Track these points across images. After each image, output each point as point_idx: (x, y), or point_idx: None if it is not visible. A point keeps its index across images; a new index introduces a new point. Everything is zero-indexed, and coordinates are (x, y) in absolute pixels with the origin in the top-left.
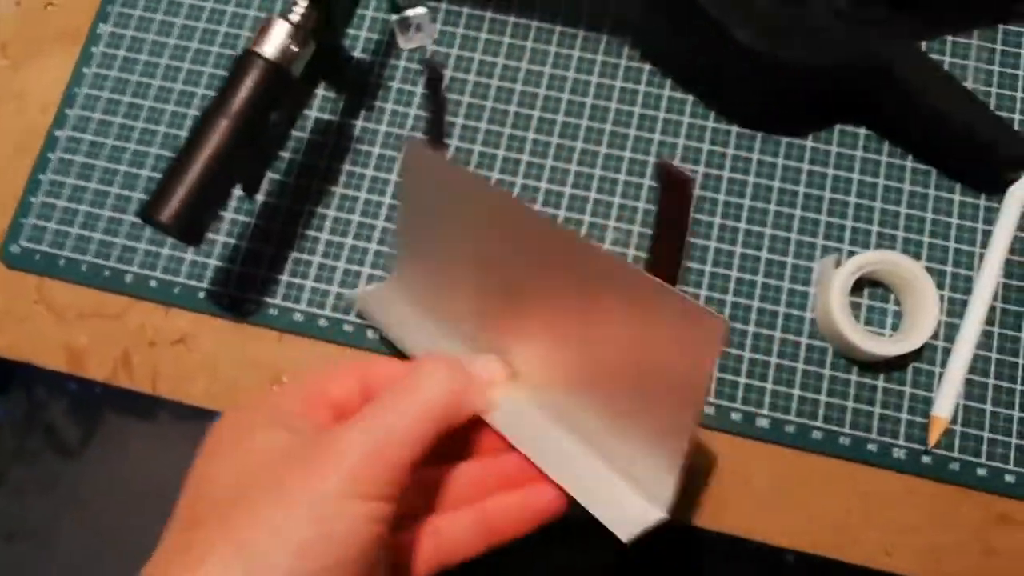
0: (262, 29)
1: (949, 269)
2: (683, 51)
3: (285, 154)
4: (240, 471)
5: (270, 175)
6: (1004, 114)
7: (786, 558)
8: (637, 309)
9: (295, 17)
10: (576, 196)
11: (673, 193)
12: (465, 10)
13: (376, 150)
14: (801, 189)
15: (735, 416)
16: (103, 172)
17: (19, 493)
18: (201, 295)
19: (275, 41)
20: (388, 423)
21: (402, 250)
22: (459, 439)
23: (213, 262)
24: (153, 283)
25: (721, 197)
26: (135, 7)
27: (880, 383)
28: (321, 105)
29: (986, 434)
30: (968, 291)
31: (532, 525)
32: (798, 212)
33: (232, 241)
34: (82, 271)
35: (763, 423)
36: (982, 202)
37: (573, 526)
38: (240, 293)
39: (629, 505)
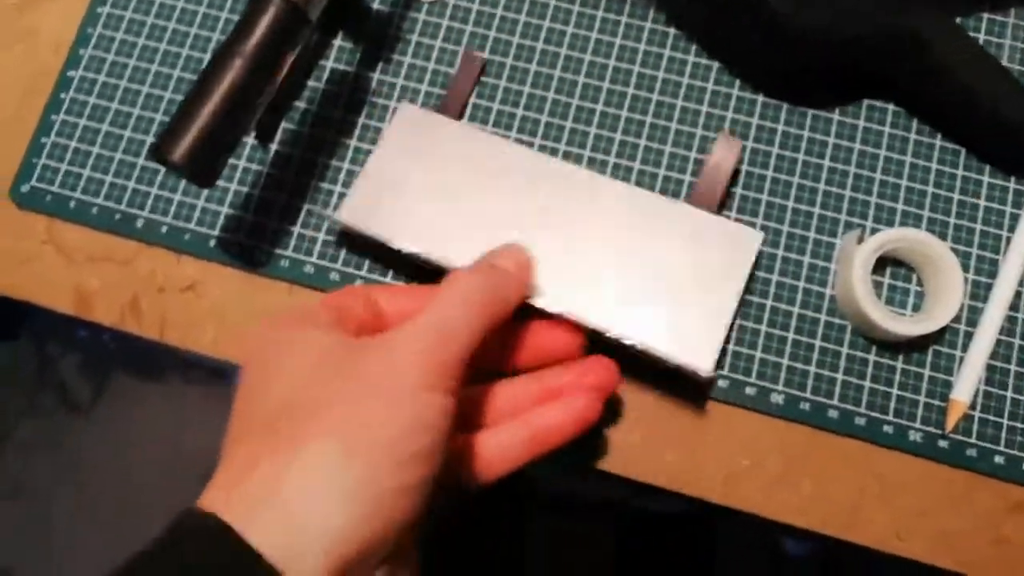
0: None
1: (975, 251)
2: (708, 16)
3: (300, 104)
4: (305, 373)
5: (285, 124)
6: None
7: (789, 550)
8: (682, 236)
9: None
10: (619, 165)
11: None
12: None
13: (392, 104)
14: (826, 163)
15: (749, 391)
16: (116, 114)
17: (26, 451)
18: (212, 243)
19: None
20: (448, 317)
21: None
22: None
23: (225, 210)
24: (164, 229)
25: (743, 168)
26: None
27: (899, 364)
28: (338, 56)
29: (1005, 421)
30: (993, 274)
31: (573, 432)
32: (822, 186)
33: (245, 189)
34: (92, 214)
35: (777, 399)
36: (1012, 184)
37: (578, 526)
38: (251, 242)
39: (689, 352)
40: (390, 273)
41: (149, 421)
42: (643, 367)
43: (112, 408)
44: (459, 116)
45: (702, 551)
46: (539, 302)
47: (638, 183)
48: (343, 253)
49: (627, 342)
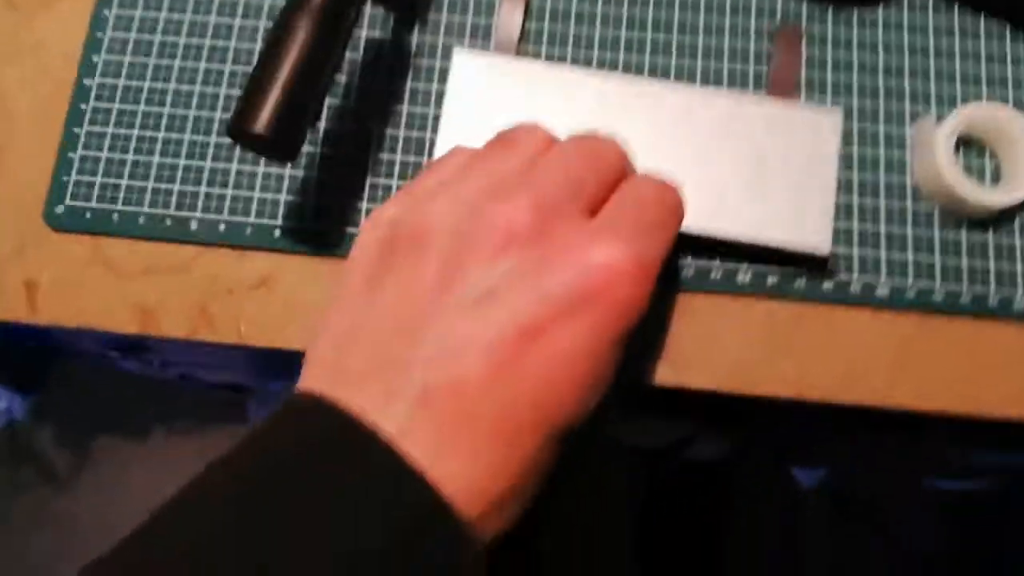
0: None
1: None
2: None
3: (341, 77)
4: None
5: (329, 100)
6: None
7: (803, 481)
8: (765, 128)
9: None
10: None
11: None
12: None
13: (437, 63)
14: (880, 56)
15: (854, 288)
16: (144, 116)
17: (13, 531)
18: (277, 233)
19: None
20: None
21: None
22: None
23: (284, 196)
24: (222, 227)
25: (803, 73)
26: None
27: (990, 238)
28: (370, 22)
29: None
30: None
31: None
32: (880, 80)
33: (301, 173)
34: (140, 224)
35: (883, 291)
36: None
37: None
38: (318, 226)
39: (802, 235)
40: None
41: (137, 482)
42: (751, 279)
43: (97, 474)
44: (515, 51)
45: (718, 496)
46: None
47: (704, 80)
48: None
49: (741, 239)
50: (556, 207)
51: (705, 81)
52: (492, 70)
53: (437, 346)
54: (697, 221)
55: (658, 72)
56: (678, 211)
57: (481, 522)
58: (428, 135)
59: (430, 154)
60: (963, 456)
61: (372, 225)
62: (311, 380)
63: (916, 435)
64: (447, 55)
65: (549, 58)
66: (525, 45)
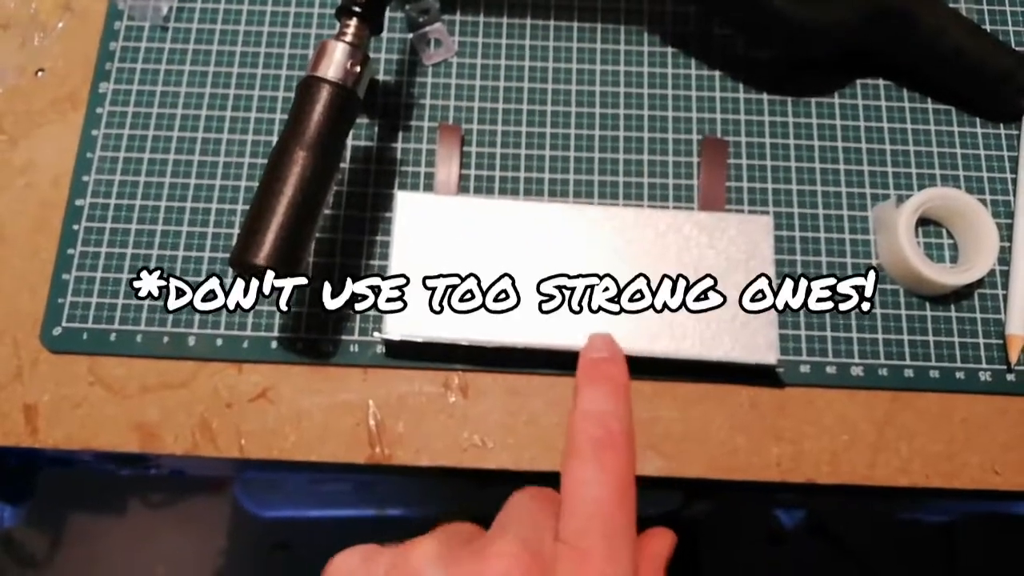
0: (319, 53)
1: (988, 197)
2: (708, 28)
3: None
4: None
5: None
6: None
7: (785, 524)
8: (700, 242)
9: (349, 37)
10: (629, 183)
11: (712, 156)
12: (481, 19)
13: (422, 169)
14: (839, 144)
15: (830, 370)
16: (138, 235)
17: None
18: (273, 345)
19: (337, 62)
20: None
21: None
22: None
23: (280, 316)
24: (219, 342)
25: (768, 163)
26: (135, 61)
27: (953, 314)
28: (355, 133)
29: None
30: (1009, 215)
31: None
32: (842, 166)
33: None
34: (137, 343)
35: (857, 371)
36: (1003, 131)
37: None
38: (314, 336)
39: (751, 349)
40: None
41: (116, 558)
42: (720, 370)
43: (74, 553)
44: (455, 189)
45: (703, 542)
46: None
47: (650, 197)
48: None
49: (689, 358)
50: (534, 547)
51: (651, 196)
52: (432, 207)
53: None
54: (645, 342)
55: (607, 187)
56: (629, 437)
57: None
58: None
59: None
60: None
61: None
62: None
63: None
64: (431, 160)
65: (487, 190)
66: (466, 180)
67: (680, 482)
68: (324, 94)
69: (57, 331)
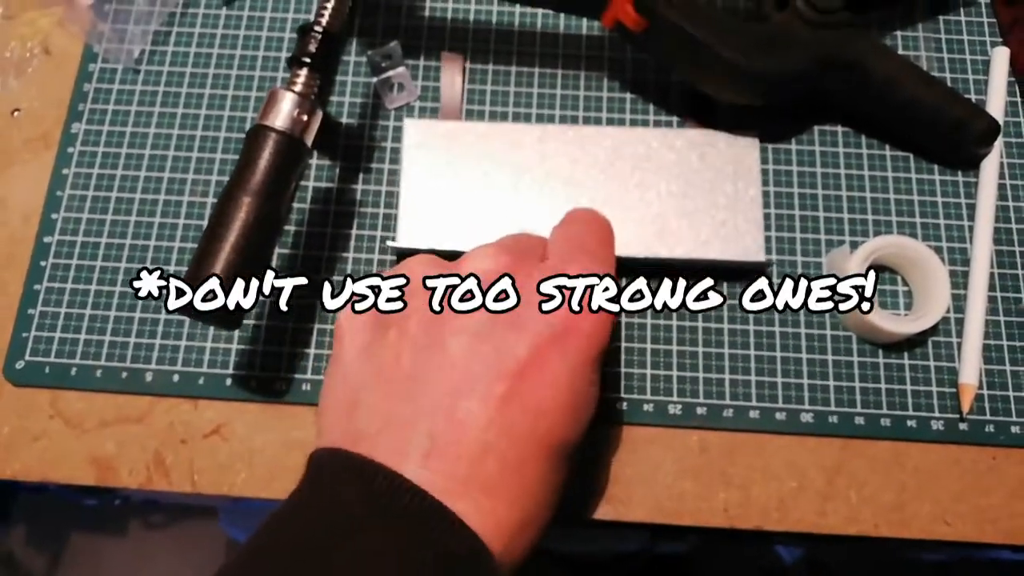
0: (268, 101)
1: (944, 244)
2: (667, 76)
3: (290, 227)
4: None
5: (279, 250)
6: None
7: (785, 561)
8: (691, 153)
9: (298, 87)
10: None
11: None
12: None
13: (381, 211)
14: (795, 190)
15: (780, 416)
16: (102, 272)
17: None
18: (228, 382)
19: (284, 112)
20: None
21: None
22: None
23: (235, 346)
24: (176, 378)
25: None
26: (107, 102)
27: (906, 361)
28: (317, 174)
29: (1011, 393)
30: (966, 262)
31: None
32: (797, 212)
33: (251, 322)
34: (97, 377)
35: (807, 417)
36: (960, 178)
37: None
38: (268, 374)
39: (740, 250)
40: None
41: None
42: (681, 410)
43: (73, 572)
44: (460, 115)
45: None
46: None
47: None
48: None
49: (683, 259)
50: (518, 257)
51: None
52: (439, 133)
53: (435, 397)
54: (641, 247)
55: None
56: (606, 225)
57: (507, 552)
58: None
59: None
60: None
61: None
62: (328, 444)
63: None
64: (390, 203)
65: (490, 118)
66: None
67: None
68: (270, 142)
69: (20, 364)
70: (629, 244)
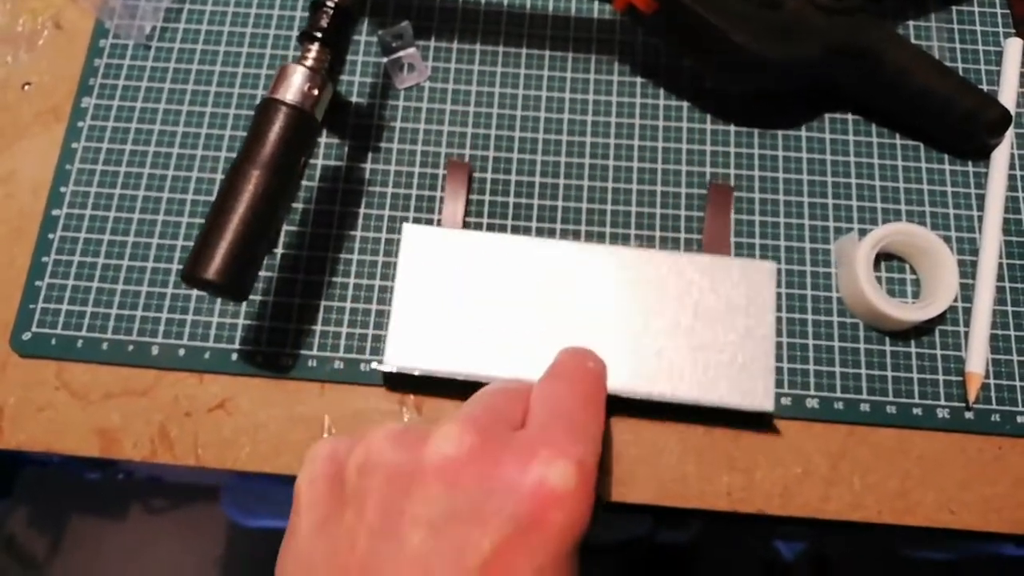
0: (279, 76)
1: (953, 234)
2: (674, 62)
3: (298, 205)
4: None
5: (287, 227)
6: None
7: (785, 556)
8: (702, 285)
9: (309, 61)
10: (617, 211)
11: (718, 201)
12: (455, 45)
13: (389, 190)
14: (804, 177)
15: (785, 401)
16: (109, 246)
17: None
18: (234, 357)
19: (295, 86)
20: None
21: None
22: None
23: (242, 321)
24: (181, 352)
25: (732, 194)
26: (118, 77)
27: (913, 349)
28: (326, 152)
29: (1018, 383)
30: (974, 252)
31: None
32: (806, 199)
33: (258, 298)
34: (103, 350)
35: (812, 403)
36: (971, 168)
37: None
38: (274, 349)
39: (747, 395)
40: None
41: (116, 561)
42: (692, 411)
43: (74, 556)
44: (461, 223)
45: (694, 572)
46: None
47: (613, 224)
48: (368, 344)
49: (685, 401)
50: (487, 435)
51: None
52: (439, 241)
53: None
54: (640, 384)
55: (594, 239)
56: (595, 379)
57: None
58: (380, 258)
59: (383, 276)
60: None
61: (311, 459)
62: None
63: None
64: (399, 182)
65: (492, 229)
66: (469, 219)
67: (646, 507)
68: (281, 116)
69: (27, 336)
70: (629, 380)
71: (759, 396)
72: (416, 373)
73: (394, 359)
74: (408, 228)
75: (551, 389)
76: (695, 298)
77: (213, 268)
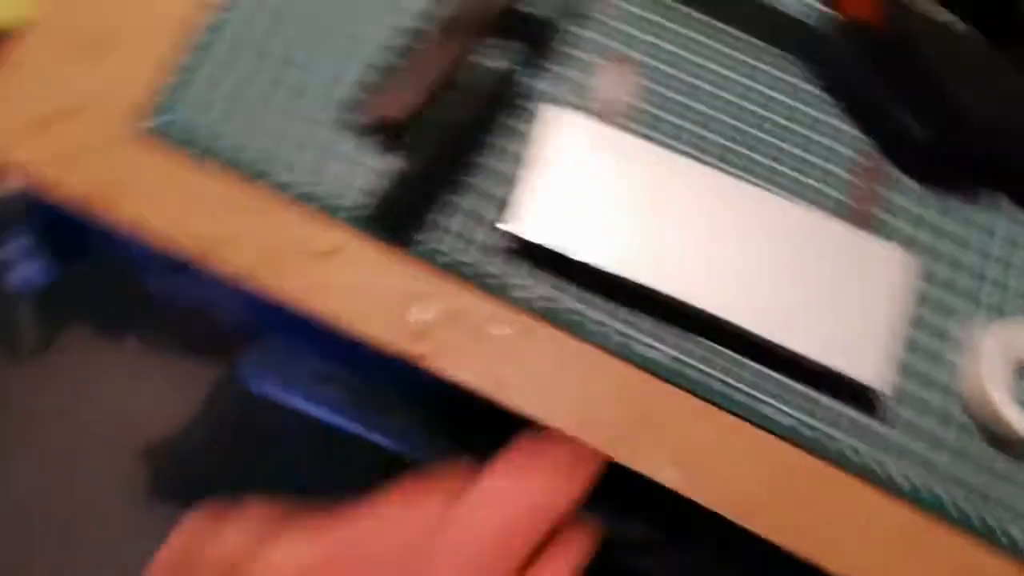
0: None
1: None
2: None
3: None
4: None
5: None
6: None
7: None
8: (837, 251)
9: None
10: None
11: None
12: None
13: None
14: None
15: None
16: (280, 64)
17: None
18: (361, 212)
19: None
20: None
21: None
22: None
23: (379, 182)
24: (318, 190)
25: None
26: None
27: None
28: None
29: None
30: None
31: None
32: (942, 274)
33: (397, 165)
34: (241, 157)
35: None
36: None
37: None
38: (401, 218)
39: (859, 365)
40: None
41: (97, 381)
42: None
43: (61, 359)
44: (609, 120)
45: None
46: (711, 309)
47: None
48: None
49: (800, 354)
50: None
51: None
52: (586, 134)
53: None
54: (760, 326)
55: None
56: (535, 510)
57: None
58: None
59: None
60: None
61: None
62: None
63: None
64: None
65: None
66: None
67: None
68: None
69: (169, 118)
70: (756, 318)
71: (872, 371)
72: (545, 245)
73: (518, 226)
74: (549, 111)
75: (473, 521)
76: (830, 263)
77: (399, 106)
